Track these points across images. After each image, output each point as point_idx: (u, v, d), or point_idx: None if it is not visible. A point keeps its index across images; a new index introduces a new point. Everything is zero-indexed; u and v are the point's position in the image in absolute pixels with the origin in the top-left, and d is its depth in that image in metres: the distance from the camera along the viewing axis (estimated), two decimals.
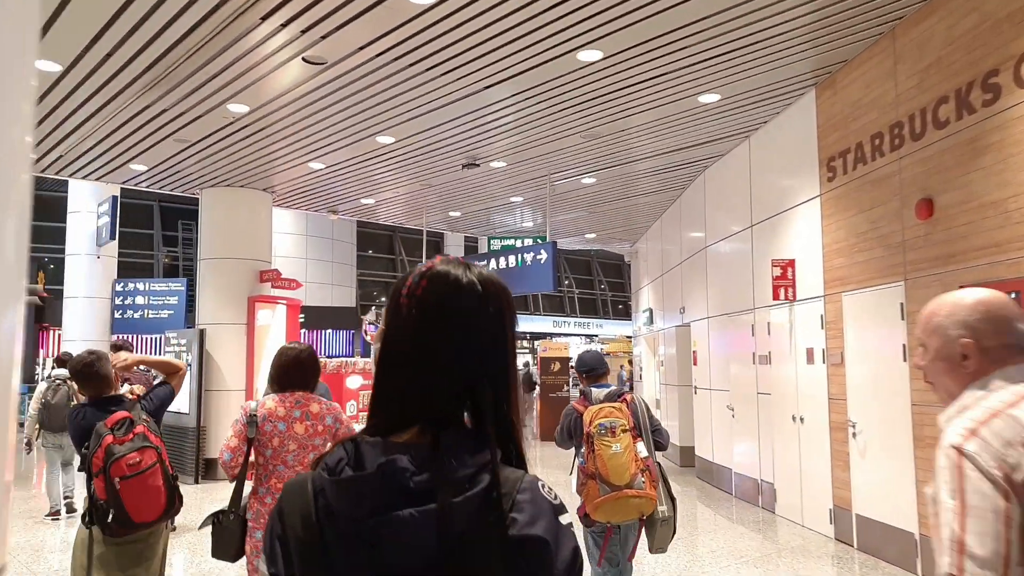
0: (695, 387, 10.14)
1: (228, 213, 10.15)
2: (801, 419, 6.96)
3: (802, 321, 7.00)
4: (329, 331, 21.69)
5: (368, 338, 13.98)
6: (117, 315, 14.70)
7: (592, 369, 4.13)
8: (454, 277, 0.97)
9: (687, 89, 6.79)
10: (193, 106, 6.98)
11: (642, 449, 3.73)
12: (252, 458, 3.28)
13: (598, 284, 38.04)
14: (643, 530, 3.91)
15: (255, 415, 3.21)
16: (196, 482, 9.40)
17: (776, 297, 7.15)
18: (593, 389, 4.01)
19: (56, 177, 9.68)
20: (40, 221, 18.87)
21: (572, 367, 18.72)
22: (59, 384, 7.56)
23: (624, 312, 39.56)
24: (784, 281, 7.17)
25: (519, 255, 9.71)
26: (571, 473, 4.06)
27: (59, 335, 16.47)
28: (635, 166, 9.38)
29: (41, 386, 7.63)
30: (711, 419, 9.43)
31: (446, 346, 0.95)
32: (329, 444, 3.27)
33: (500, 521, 0.86)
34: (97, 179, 9.57)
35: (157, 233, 26.93)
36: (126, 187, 10.34)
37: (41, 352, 20.73)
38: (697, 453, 10.12)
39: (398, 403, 0.94)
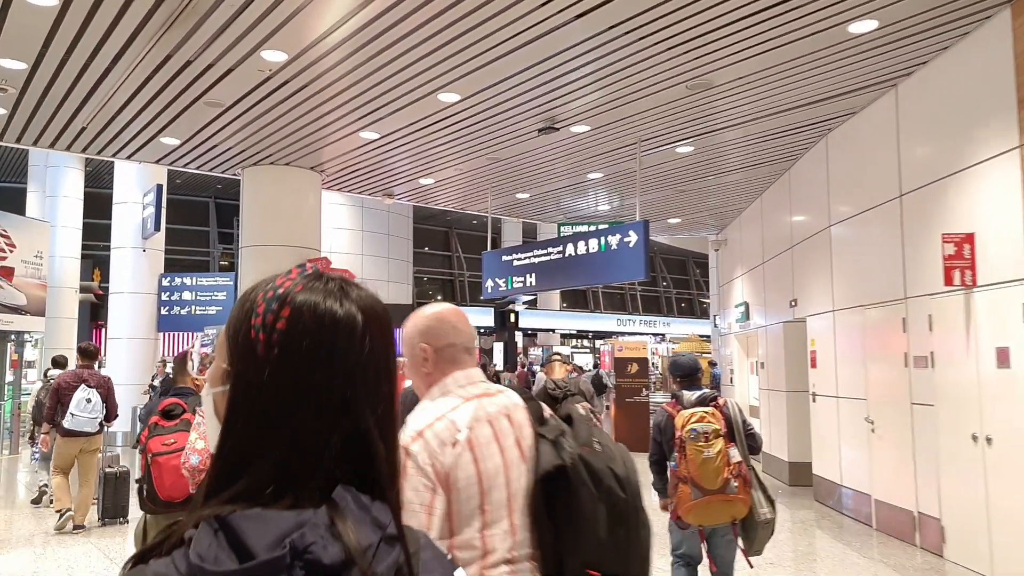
0: (813, 394, 8.54)
1: (272, 194, 9.03)
2: (988, 439, 5.35)
3: (988, 312, 5.39)
4: None
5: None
6: (163, 311, 13.86)
7: (687, 374, 4.09)
8: (327, 311, 0.78)
9: (836, 14, 5.26)
10: (221, 55, 5.81)
11: (735, 454, 3.70)
12: None
13: (661, 281, 36.43)
14: (738, 533, 3.87)
15: None
16: None
17: (948, 282, 5.56)
18: (685, 393, 3.98)
19: (84, 155, 8.73)
20: (92, 218, 18.34)
21: (652, 368, 17.06)
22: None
23: (688, 310, 37.82)
24: (959, 261, 5.56)
25: (602, 239, 8.29)
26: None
27: (105, 332, 15.84)
28: (743, 130, 7.85)
29: (36, 386, 7.72)
30: (838, 433, 7.83)
31: (324, 395, 0.76)
32: None
33: None
34: (128, 157, 8.56)
35: (213, 231, 26.62)
36: (181, 184, 9.37)
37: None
38: (816, 472, 8.52)
39: (267, 465, 0.75)
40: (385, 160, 8.79)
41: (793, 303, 9.25)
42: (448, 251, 30.74)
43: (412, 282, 23.02)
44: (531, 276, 9.32)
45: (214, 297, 13.89)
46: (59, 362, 8.18)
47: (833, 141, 7.95)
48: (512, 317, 23.86)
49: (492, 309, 25.01)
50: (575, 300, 33.08)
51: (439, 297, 30.04)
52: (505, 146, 8.19)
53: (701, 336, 24.96)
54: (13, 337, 16.08)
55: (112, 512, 7.13)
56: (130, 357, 13.30)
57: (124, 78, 6.15)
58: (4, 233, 14.41)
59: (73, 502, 6.97)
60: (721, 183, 10.15)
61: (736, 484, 3.64)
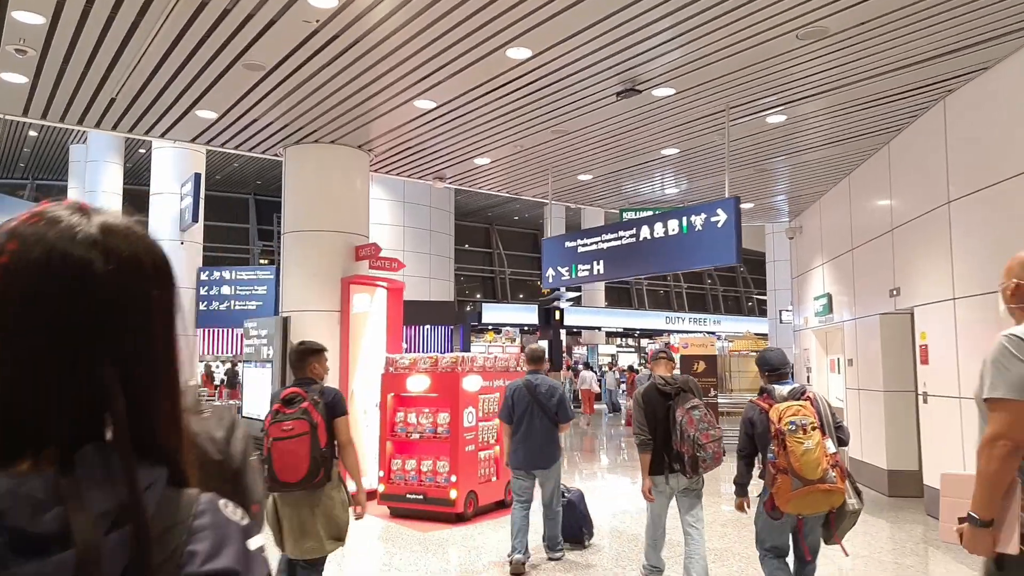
0: (924, 394, 7.51)
1: (317, 175, 8.30)
2: None
3: None
4: (427, 327, 20.06)
5: None
6: (202, 307, 13.29)
7: (776, 368, 4.13)
8: (60, 247, 0.67)
9: None
10: (262, 1, 5.06)
11: (830, 445, 3.78)
12: None
13: (706, 278, 35.29)
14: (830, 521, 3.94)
15: None
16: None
17: None
18: (776, 387, 4.02)
19: (115, 133, 8.11)
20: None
21: (719, 368, 16.03)
22: None
23: (735, 308, 36.57)
24: None
25: (685, 219, 7.37)
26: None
27: None
28: (844, 95, 6.86)
29: None
30: (961, 439, 6.80)
31: (51, 343, 0.66)
32: None
33: (170, 558, 0.64)
34: (161, 135, 7.90)
35: (253, 227, 26.29)
36: (220, 180, 8.73)
37: None
38: (928, 483, 7.49)
39: None
40: (439, 137, 7.99)
41: (895, 292, 8.22)
42: (489, 248, 30.02)
43: (454, 278, 22.37)
44: (599, 264, 8.44)
45: (254, 291, 13.28)
46: None
47: (954, 104, 6.93)
48: (557, 314, 23.01)
49: (536, 306, 24.20)
50: (619, 298, 32.14)
51: (478, 295, 29.34)
52: (576, 115, 7.31)
53: (757, 334, 23.82)
54: None
55: None
56: None
57: (154, 34, 5.44)
58: None
59: None
60: (804, 161, 9.14)
61: (834, 474, 3.71)
